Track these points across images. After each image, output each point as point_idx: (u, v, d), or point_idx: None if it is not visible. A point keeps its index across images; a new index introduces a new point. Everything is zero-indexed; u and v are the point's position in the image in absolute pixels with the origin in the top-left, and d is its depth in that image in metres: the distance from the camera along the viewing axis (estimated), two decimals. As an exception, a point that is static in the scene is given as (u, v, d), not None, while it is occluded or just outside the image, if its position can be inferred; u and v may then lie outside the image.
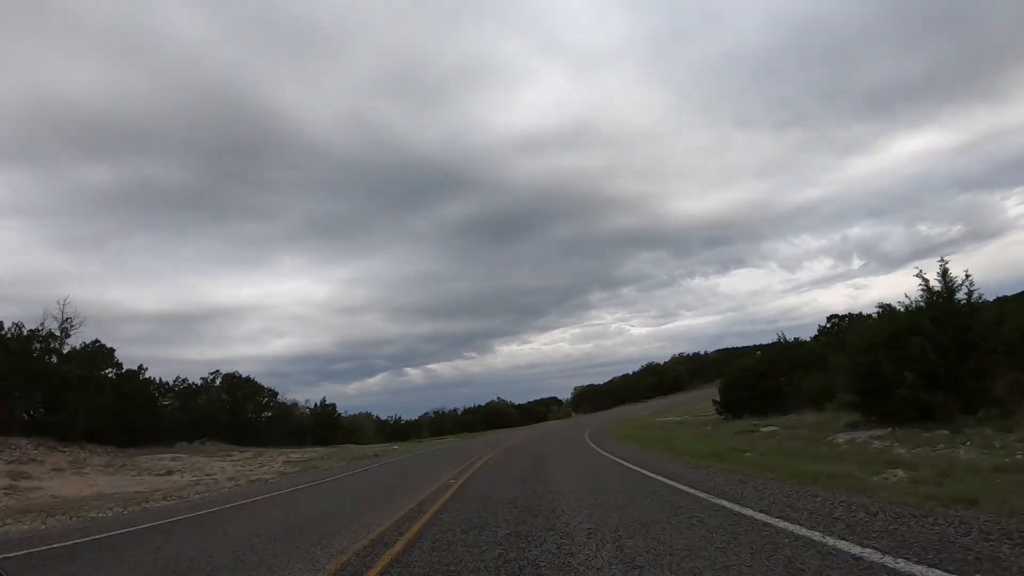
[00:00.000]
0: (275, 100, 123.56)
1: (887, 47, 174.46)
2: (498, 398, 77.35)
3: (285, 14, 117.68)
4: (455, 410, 74.01)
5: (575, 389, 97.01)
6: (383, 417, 63.56)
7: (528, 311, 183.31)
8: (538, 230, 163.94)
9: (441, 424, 66.88)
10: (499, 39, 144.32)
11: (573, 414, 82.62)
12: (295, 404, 48.29)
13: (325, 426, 47.17)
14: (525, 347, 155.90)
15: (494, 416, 70.96)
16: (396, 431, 59.82)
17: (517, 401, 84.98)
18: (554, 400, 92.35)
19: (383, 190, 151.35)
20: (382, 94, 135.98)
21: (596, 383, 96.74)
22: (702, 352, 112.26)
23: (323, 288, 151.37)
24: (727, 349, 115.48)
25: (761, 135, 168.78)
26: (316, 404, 50.01)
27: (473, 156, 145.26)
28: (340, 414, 51.46)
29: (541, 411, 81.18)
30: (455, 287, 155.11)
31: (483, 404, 74.96)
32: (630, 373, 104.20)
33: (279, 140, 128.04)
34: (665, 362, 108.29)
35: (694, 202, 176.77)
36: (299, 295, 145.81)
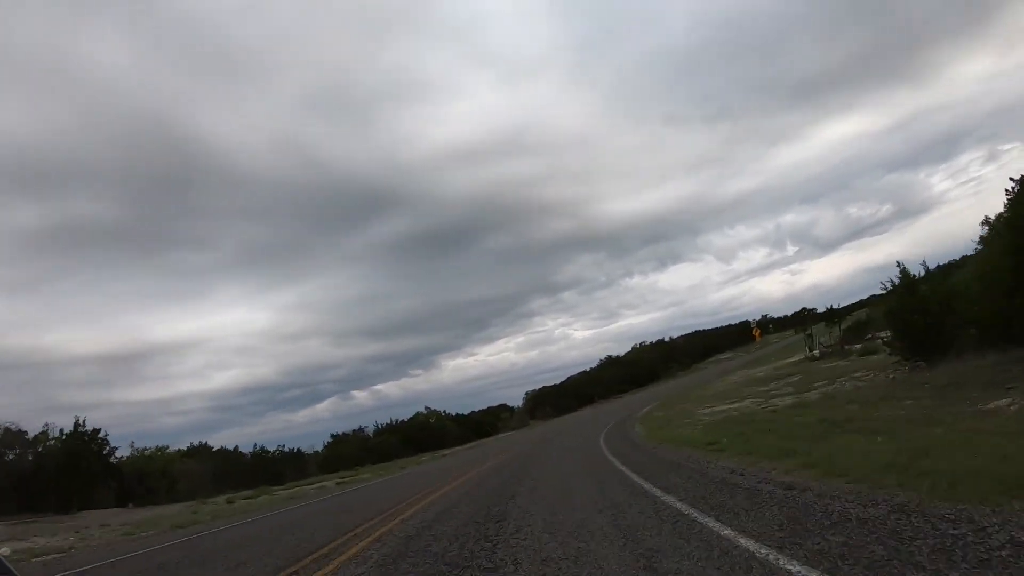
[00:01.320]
0: (203, 126, 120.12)
1: (810, 37, 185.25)
2: (426, 408, 60.23)
3: (209, 36, 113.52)
4: (361, 429, 56.09)
5: (527, 394, 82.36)
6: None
7: (471, 324, 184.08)
8: (476, 242, 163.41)
9: (340, 453, 48.51)
10: (426, 52, 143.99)
11: (531, 422, 67.71)
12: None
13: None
14: (471, 360, 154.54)
15: (420, 433, 54.29)
16: (268, 470, 42.23)
17: (462, 411, 68.91)
18: (503, 408, 76.83)
19: (318, 212, 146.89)
20: (311, 114, 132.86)
21: (552, 386, 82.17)
22: (666, 339, 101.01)
23: (263, 316, 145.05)
24: (697, 332, 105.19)
25: (691, 131, 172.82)
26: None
27: (406, 172, 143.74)
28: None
29: (489, 422, 65.34)
30: (397, 306, 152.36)
31: (406, 419, 57.54)
32: (588, 369, 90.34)
33: (209, 167, 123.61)
34: (627, 352, 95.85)
35: (629, 202, 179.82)
36: (240, 326, 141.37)
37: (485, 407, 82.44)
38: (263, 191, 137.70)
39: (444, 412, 59.72)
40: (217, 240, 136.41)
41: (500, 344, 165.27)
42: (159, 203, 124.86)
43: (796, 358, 36.33)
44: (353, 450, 47.03)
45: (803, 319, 47.59)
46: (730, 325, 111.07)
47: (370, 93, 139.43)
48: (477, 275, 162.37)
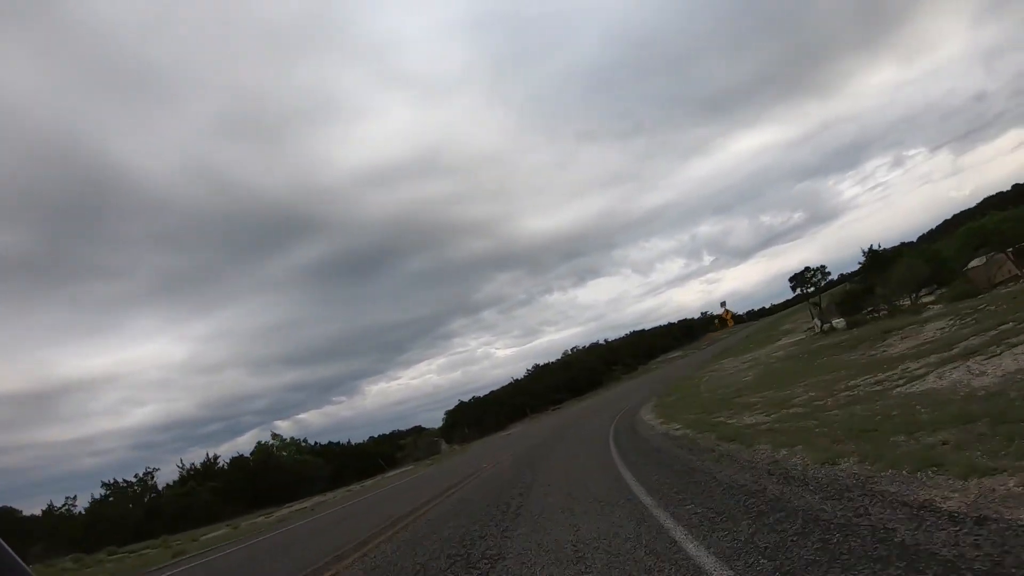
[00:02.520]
0: (114, 150, 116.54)
1: (719, 53, 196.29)
2: (274, 436, 41.21)
3: (119, 58, 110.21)
4: (145, 480, 34.39)
5: (446, 414, 66.01)
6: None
7: (392, 347, 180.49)
8: (394, 264, 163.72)
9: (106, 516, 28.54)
10: (340, 73, 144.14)
11: (445, 446, 51.38)
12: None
13: None
14: (393, 384, 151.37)
15: (257, 480, 35.97)
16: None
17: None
18: (415, 431, 59.75)
19: (234, 238, 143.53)
20: (224, 137, 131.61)
21: (474, 399, 66.01)
22: (602, 340, 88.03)
23: (181, 348, 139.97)
24: (637, 331, 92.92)
25: (605, 147, 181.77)
26: None
27: (322, 195, 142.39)
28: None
29: (387, 454, 47.59)
30: (316, 331, 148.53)
31: (248, 455, 38.71)
32: (517, 379, 74.95)
33: (121, 193, 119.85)
34: (559, 358, 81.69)
35: (545, 219, 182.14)
36: (156, 358, 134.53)
37: (396, 430, 65.52)
38: (177, 217, 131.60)
39: (305, 442, 41.95)
40: (131, 269, 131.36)
41: (422, 367, 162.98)
42: (69, 231, 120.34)
43: (793, 338, 31.22)
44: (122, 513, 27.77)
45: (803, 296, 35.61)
46: (670, 323, 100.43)
47: (284, 115, 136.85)
48: (396, 297, 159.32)
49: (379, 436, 65.98)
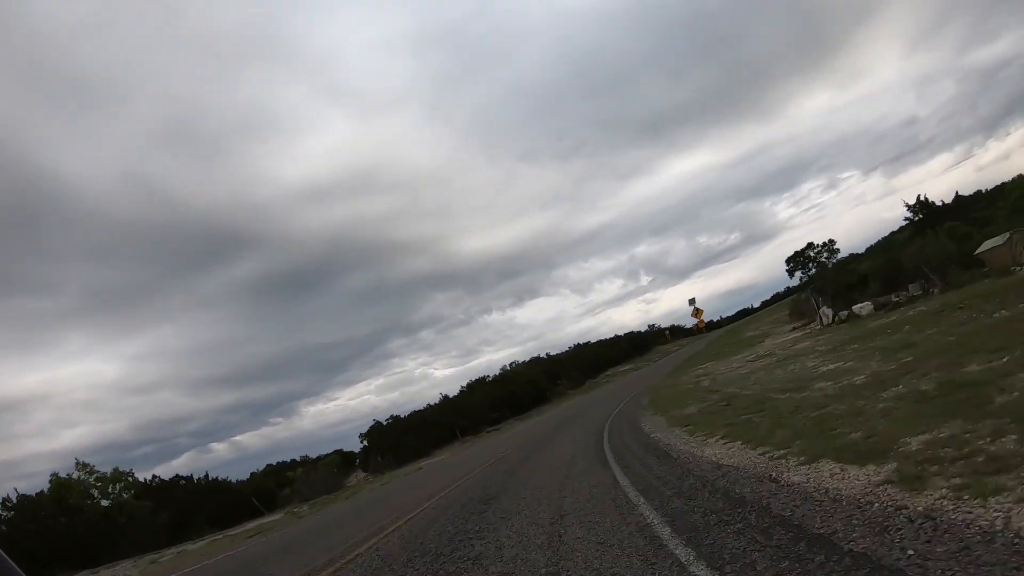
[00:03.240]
0: (45, 158, 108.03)
1: (660, 76, 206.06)
2: (78, 463, 28.14)
3: (52, 61, 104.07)
4: None
5: (360, 436, 54.59)
6: None
7: (330, 367, 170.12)
8: (332, 282, 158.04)
9: None
10: (281, 86, 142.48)
11: (360, 479, 40.32)
12: None
13: None
14: (331, 405, 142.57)
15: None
16: None
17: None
18: (338, 454, 47.94)
19: (170, 253, 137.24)
20: (162, 148, 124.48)
21: (393, 419, 54.71)
22: (543, 355, 79.10)
23: (113, 367, 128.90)
24: (583, 344, 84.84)
25: (545, 167, 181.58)
26: None
27: (261, 210, 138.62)
28: None
29: (272, 490, 35.66)
30: (253, 351, 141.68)
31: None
32: (446, 394, 64.33)
33: (52, 203, 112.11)
34: (498, 373, 72.01)
35: (485, 238, 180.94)
36: (88, 377, 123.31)
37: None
38: (112, 230, 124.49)
39: (131, 478, 29.49)
40: (62, 284, 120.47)
41: (360, 387, 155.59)
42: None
43: (780, 339, 25.61)
44: None
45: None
46: (617, 336, 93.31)
47: (224, 127, 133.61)
48: (334, 316, 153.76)
49: (276, 465, 53.90)
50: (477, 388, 60.07)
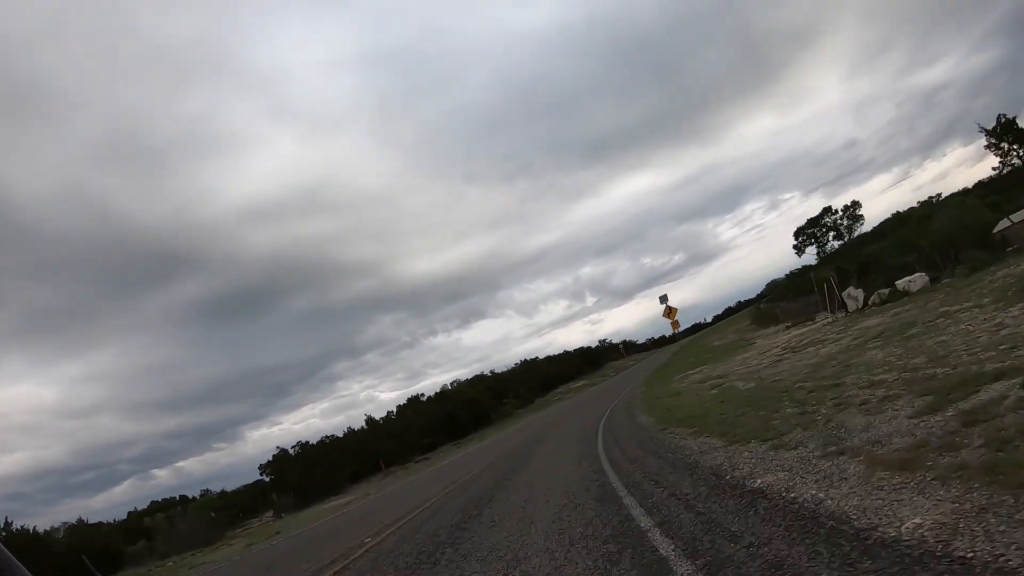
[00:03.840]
0: None
1: (606, 99, 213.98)
2: None
3: None
4: None
5: (260, 468, 44.75)
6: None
7: (274, 391, 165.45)
8: (276, 304, 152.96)
9: None
10: (228, 104, 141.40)
11: (269, 517, 31.02)
12: None
13: None
14: (275, 429, 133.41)
15: None
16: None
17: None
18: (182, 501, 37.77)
19: (112, 273, 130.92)
20: (104, 163, 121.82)
21: (301, 446, 45.05)
22: (487, 372, 71.44)
23: (51, 390, 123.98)
24: (530, 360, 77.65)
25: (491, 188, 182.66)
26: None
27: (205, 229, 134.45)
28: None
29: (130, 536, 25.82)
30: (195, 374, 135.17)
31: None
32: (377, 417, 55.44)
33: None
34: (436, 392, 63.69)
35: (430, 260, 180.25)
36: (25, 401, 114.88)
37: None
38: (51, 247, 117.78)
39: None
40: None
41: (305, 411, 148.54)
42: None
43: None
44: None
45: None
46: (567, 352, 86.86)
47: (169, 143, 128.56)
48: (278, 339, 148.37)
49: (152, 505, 43.22)
50: (410, 409, 51.62)
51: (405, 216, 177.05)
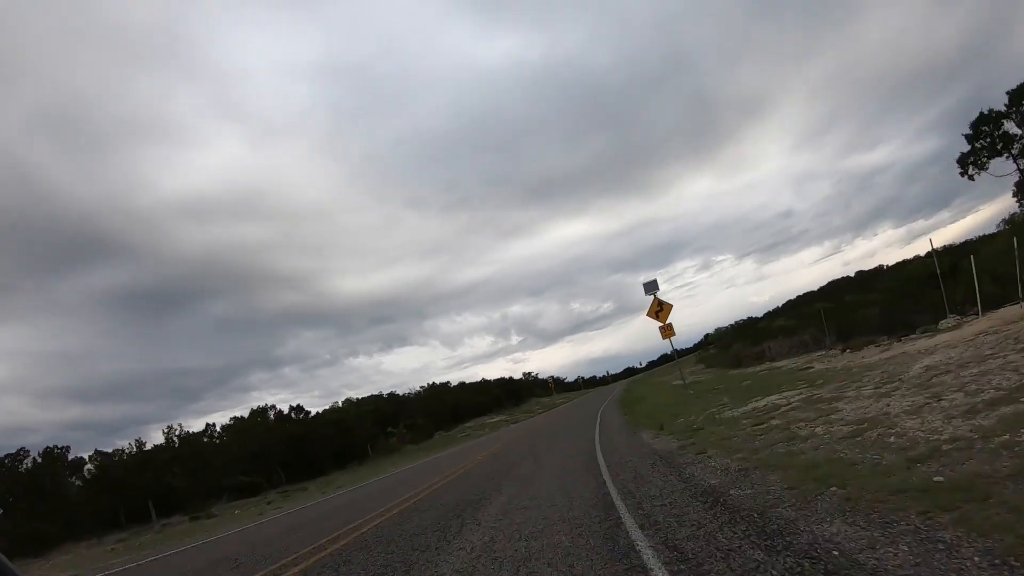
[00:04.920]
0: None
1: (554, 142, 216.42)
2: None
3: None
4: None
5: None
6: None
7: (185, 394, 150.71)
8: (198, 305, 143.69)
9: None
10: (178, 94, 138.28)
11: None
12: None
13: None
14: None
15: None
16: None
17: None
18: None
19: (29, 248, 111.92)
20: (41, 135, 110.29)
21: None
22: (383, 392, 55.71)
23: None
24: (440, 385, 62.53)
25: (430, 216, 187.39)
26: None
27: (135, 219, 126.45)
28: None
29: None
30: (107, 367, 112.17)
31: None
32: (221, 439, 38.03)
33: None
34: (321, 411, 47.10)
35: (360, 280, 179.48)
36: None
37: None
38: None
39: None
40: None
41: (215, 418, 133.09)
42: None
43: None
44: None
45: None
46: (486, 380, 72.48)
47: (112, 125, 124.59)
48: (196, 341, 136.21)
49: None
50: (239, 431, 35.08)
51: (341, 233, 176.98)
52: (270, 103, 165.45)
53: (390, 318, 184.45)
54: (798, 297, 70.60)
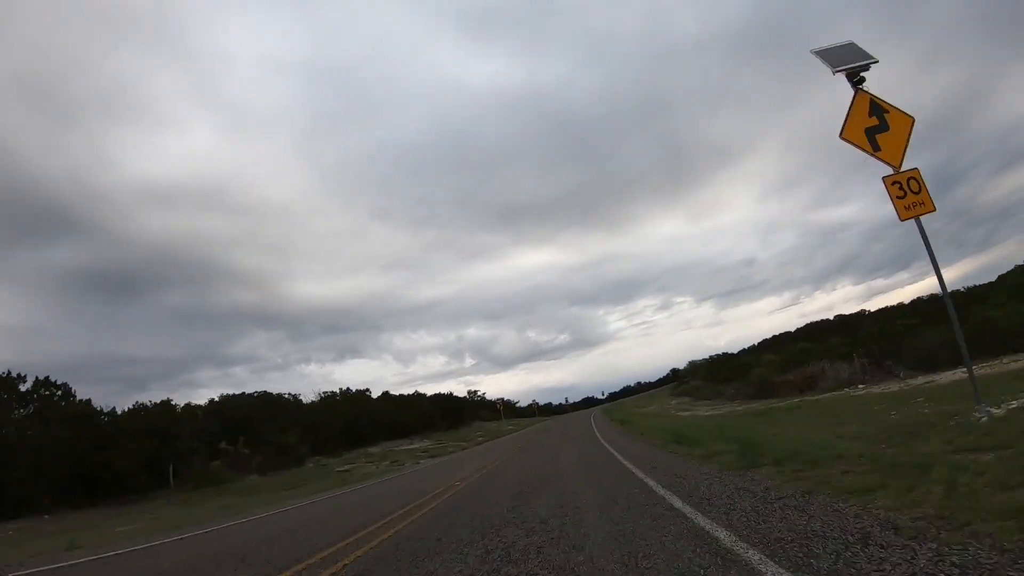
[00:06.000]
0: None
1: (527, 169, 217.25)
2: None
3: None
4: None
5: None
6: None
7: (131, 383, 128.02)
8: (153, 294, 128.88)
9: None
10: (158, 74, 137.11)
11: None
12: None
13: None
14: None
15: None
16: None
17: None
18: None
19: None
20: (16, 100, 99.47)
21: None
22: (255, 392, 40.10)
23: None
24: (346, 392, 46.91)
25: (396, 229, 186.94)
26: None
27: (98, 197, 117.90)
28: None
29: None
30: (55, 347, 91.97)
31: None
32: None
33: None
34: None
35: (319, 286, 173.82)
36: None
37: None
38: None
39: None
40: None
41: None
42: None
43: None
44: None
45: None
46: (419, 393, 56.87)
47: (86, 97, 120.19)
48: (147, 330, 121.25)
49: None
50: None
51: (305, 236, 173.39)
52: (249, 96, 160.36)
53: (346, 328, 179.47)
54: (774, 337, 71.60)
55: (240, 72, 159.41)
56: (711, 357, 61.19)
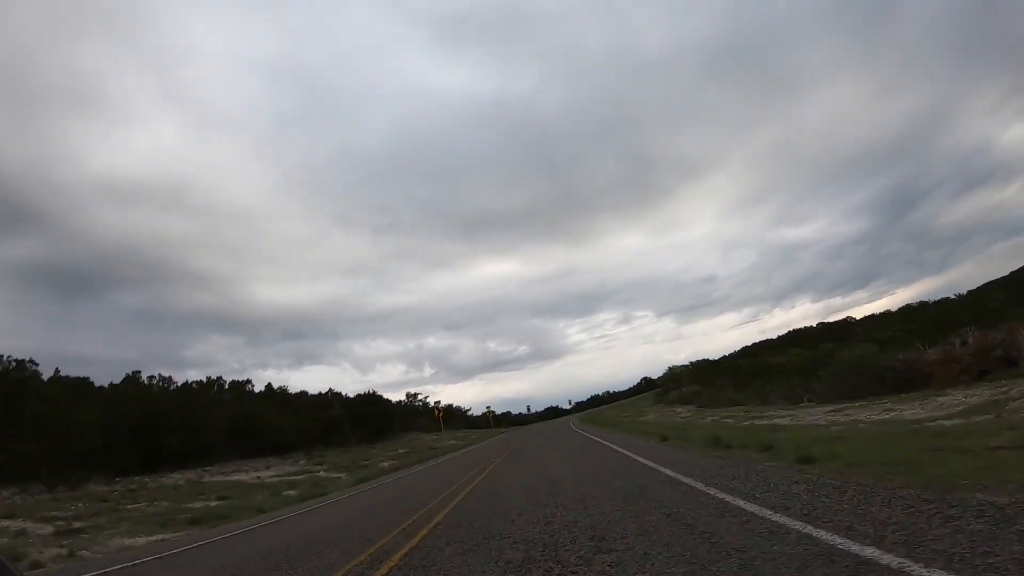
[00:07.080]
0: None
1: (492, 180, 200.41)
2: None
3: None
4: None
5: None
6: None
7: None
8: (108, 293, 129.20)
9: None
10: (122, 68, 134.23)
11: None
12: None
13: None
14: None
15: None
16: None
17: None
18: None
19: None
20: None
21: None
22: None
23: None
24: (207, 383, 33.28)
25: (358, 236, 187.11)
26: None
27: (55, 190, 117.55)
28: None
29: None
30: (5, 343, 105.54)
31: None
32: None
33: None
34: None
35: (278, 291, 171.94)
36: None
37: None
38: None
39: None
40: None
41: None
42: None
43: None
44: None
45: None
46: (333, 393, 43.42)
47: (48, 88, 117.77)
48: (100, 330, 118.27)
49: None
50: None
51: (265, 240, 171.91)
52: (214, 94, 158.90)
53: (304, 334, 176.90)
54: (753, 344, 73.77)
55: (207, 71, 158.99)
56: (691, 364, 63.54)
